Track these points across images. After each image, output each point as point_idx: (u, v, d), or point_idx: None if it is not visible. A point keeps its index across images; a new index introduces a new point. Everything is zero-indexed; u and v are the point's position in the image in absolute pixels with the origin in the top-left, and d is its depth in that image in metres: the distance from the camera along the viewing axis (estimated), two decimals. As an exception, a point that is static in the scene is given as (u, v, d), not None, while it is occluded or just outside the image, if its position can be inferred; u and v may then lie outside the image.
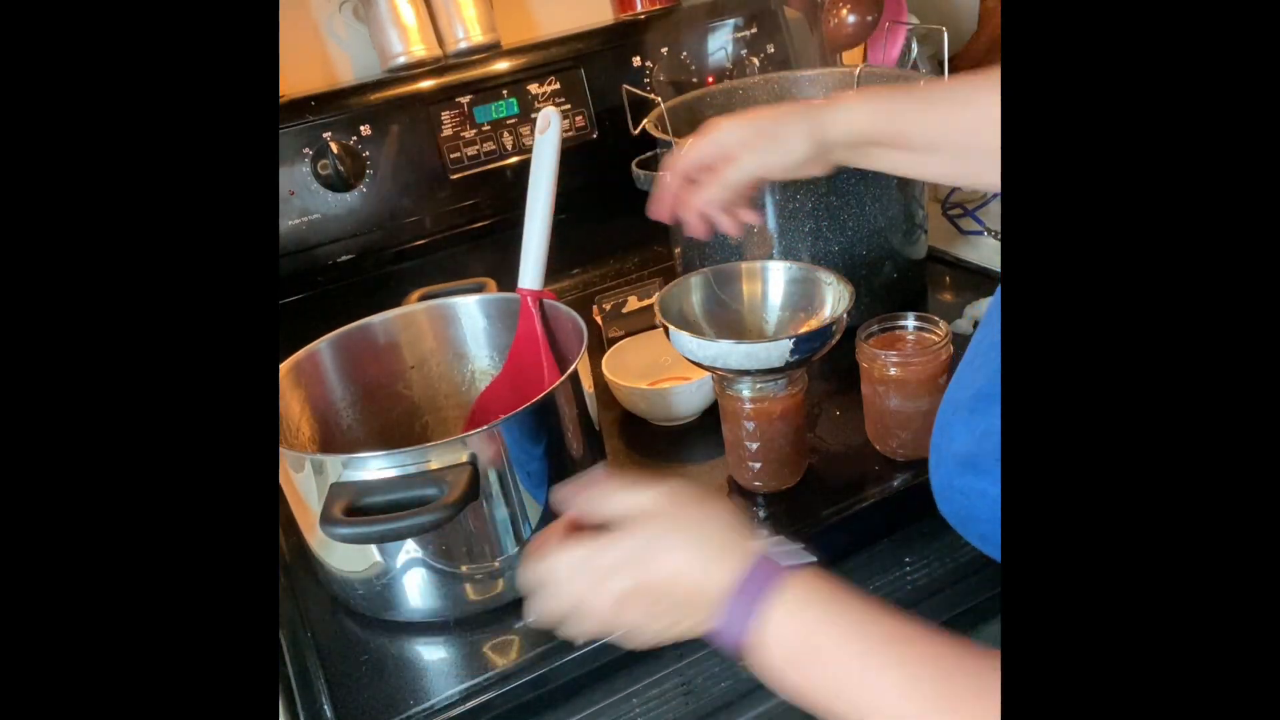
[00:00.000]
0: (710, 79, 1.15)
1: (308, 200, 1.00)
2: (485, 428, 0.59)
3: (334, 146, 1.00)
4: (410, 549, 0.61)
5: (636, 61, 1.13)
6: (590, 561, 0.48)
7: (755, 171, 0.65)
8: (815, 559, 0.48)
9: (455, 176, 1.06)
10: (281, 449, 0.60)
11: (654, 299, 0.69)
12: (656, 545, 0.48)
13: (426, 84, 1.05)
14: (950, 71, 0.98)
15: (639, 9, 1.18)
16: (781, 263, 0.74)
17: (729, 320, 0.74)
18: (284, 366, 0.70)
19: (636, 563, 0.48)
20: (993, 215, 1.12)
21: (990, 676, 0.38)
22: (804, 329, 0.68)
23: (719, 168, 0.66)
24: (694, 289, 0.73)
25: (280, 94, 1.03)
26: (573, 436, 0.65)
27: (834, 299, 0.69)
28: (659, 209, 0.71)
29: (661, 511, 0.49)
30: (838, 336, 0.64)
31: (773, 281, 0.74)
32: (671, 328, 0.65)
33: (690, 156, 0.67)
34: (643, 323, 0.94)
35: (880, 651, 0.43)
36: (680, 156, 0.67)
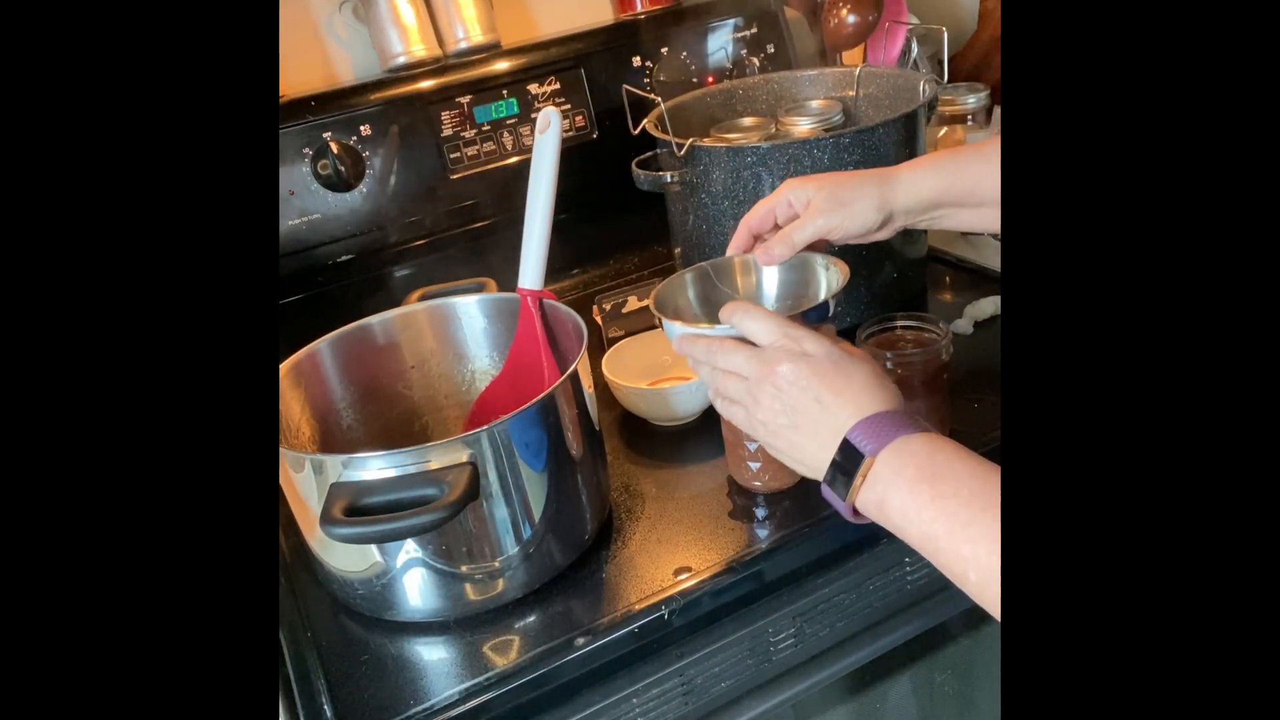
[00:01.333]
0: (710, 79, 1.15)
1: (308, 200, 1.00)
2: (485, 428, 0.59)
3: (334, 146, 1.00)
4: (410, 549, 0.61)
5: (636, 61, 1.13)
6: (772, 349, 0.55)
7: (821, 234, 0.66)
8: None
9: (455, 176, 1.06)
10: (281, 449, 0.60)
11: (650, 296, 0.69)
12: (837, 362, 0.54)
13: (426, 84, 1.05)
14: (950, 71, 0.98)
15: (639, 9, 1.18)
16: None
17: None
18: (284, 366, 0.70)
19: (818, 367, 0.53)
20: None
21: None
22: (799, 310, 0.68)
23: (786, 227, 0.67)
24: (689, 284, 0.72)
25: (280, 94, 1.03)
26: (573, 436, 0.65)
27: (829, 280, 0.68)
28: (737, 240, 0.72)
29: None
30: (834, 311, 0.64)
31: (767, 272, 0.73)
32: (665, 319, 0.64)
33: (760, 212, 0.69)
34: (643, 323, 0.94)
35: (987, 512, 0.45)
36: (752, 211, 0.69)
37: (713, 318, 0.71)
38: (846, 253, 0.88)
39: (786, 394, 0.54)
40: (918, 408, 0.69)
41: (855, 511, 0.52)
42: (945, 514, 0.47)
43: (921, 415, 0.69)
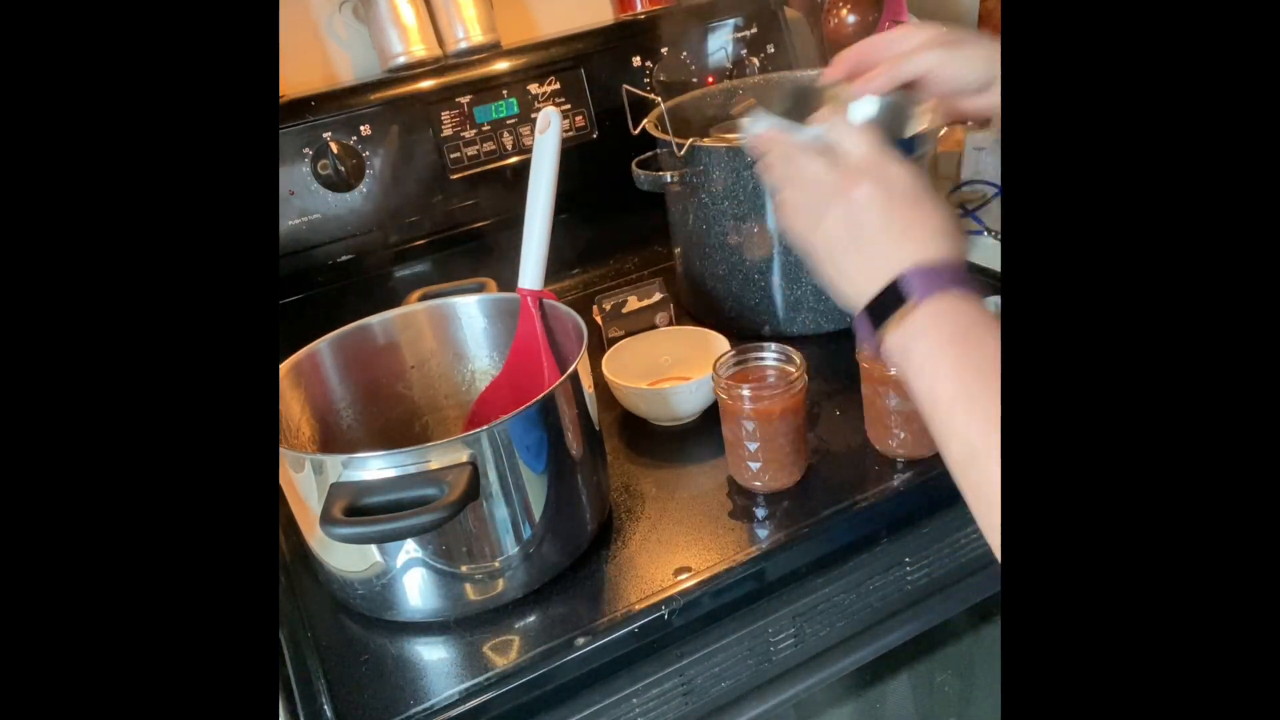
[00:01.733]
0: (710, 79, 1.15)
1: (308, 200, 1.00)
2: (485, 428, 0.59)
3: (334, 146, 1.00)
4: (410, 549, 0.61)
5: (636, 61, 1.13)
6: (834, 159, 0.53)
7: (926, 70, 0.61)
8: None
9: (455, 176, 1.06)
10: (281, 449, 0.60)
11: (738, 108, 0.67)
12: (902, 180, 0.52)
13: (426, 84, 1.04)
14: (950, 71, 0.98)
15: (639, 9, 1.18)
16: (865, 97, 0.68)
17: None
18: (284, 366, 0.70)
19: (903, 172, 0.51)
20: (993, 215, 1.12)
21: None
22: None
23: (891, 58, 0.62)
24: (775, 105, 0.67)
25: (280, 94, 1.03)
26: (573, 436, 0.65)
27: (920, 124, 0.67)
28: (834, 69, 0.67)
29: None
30: (921, 153, 0.64)
31: (855, 109, 0.66)
32: (750, 112, 0.62)
33: (864, 47, 0.64)
34: (643, 323, 0.94)
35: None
36: (855, 46, 0.64)
37: None
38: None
39: (859, 214, 0.52)
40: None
41: (877, 350, 0.51)
42: (956, 380, 0.46)
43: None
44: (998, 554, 0.40)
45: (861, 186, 0.52)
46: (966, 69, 0.61)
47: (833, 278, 0.54)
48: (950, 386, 0.46)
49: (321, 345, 0.74)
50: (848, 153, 0.54)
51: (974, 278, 0.50)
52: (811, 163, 0.54)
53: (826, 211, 0.53)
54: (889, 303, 0.49)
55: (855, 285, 0.52)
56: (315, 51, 1.11)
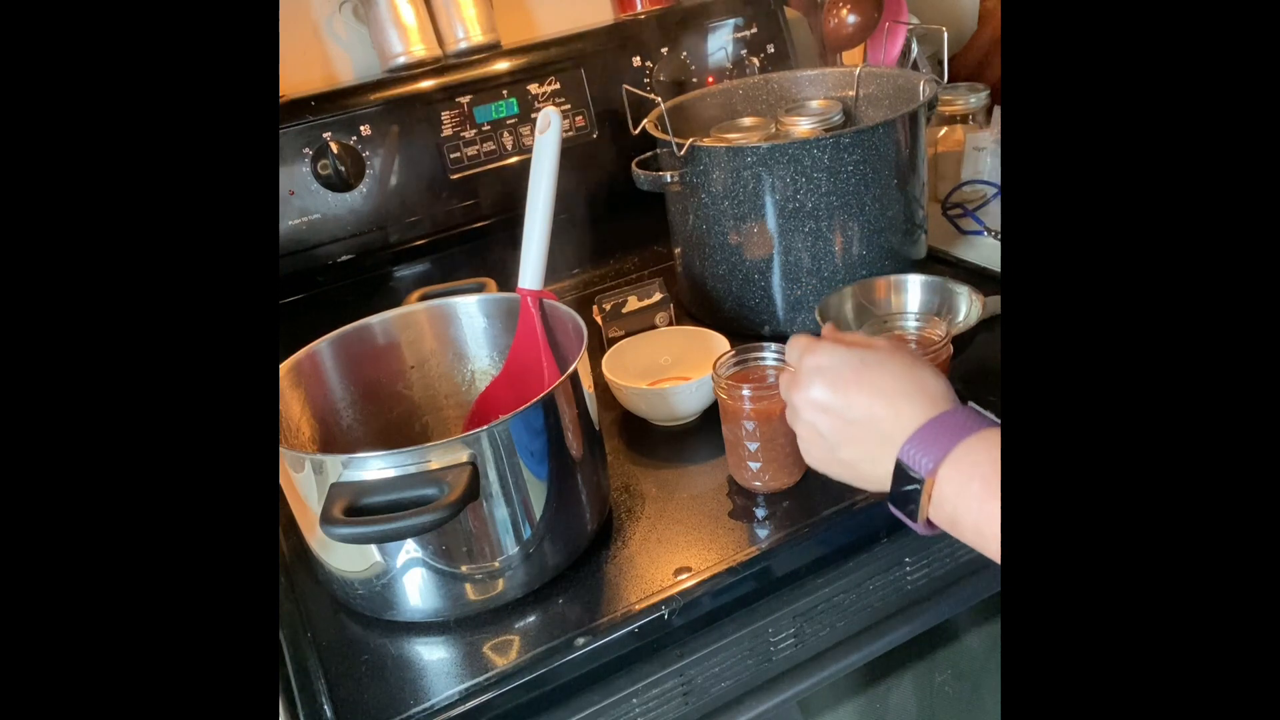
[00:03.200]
0: (710, 79, 1.15)
1: (308, 200, 1.00)
2: (485, 428, 0.59)
3: (334, 146, 1.00)
4: (410, 549, 0.61)
5: (636, 61, 1.13)
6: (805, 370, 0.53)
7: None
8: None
9: (455, 176, 1.06)
10: (281, 449, 0.60)
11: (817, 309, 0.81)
12: (863, 370, 0.51)
13: (426, 84, 1.05)
14: (950, 71, 0.98)
15: (639, 9, 1.18)
16: (919, 276, 0.84)
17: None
18: (284, 366, 0.70)
19: (839, 378, 0.51)
20: (993, 215, 1.12)
21: None
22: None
23: None
24: (848, 298, 0.84)
25: (280, 94, 1.03)
26: (573, 436, 0.65)
27: (967, 310, 0.76)
28: None
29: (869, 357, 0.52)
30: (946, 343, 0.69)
31: (910, 291, 0.83)
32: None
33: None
34: (643, 323, 0.94)
35: None
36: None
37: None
38: (847, 252, 0.88)
39: (816, 419, 0.52)
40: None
41: (930, 525, 0.49)
42: None
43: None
44: None
45: (797, 393, 0.52)
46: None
47: (855, 480, 0.54)
48: None
49: (321, 345, 0.74)
50: (800, 363, 0.54)
51: (969, 412, 0.48)
52: (789, 392, 0.55)
53: (798, 432, 0.54)
54: (906, 489, 0.48)
55: (871, 475, 0.51)
56: (315, 51, 1.11)
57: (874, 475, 0.51)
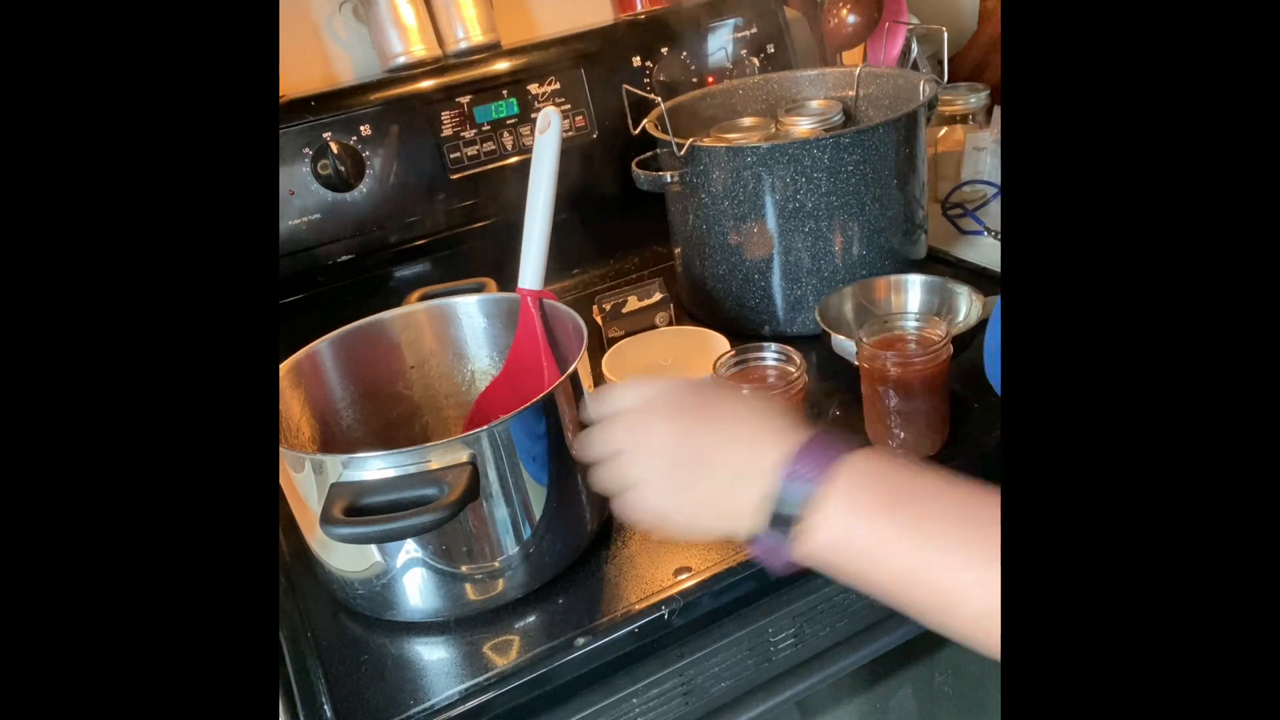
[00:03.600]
0: (710, 79, 1.15)
1: (308, 200, 1.00)
2: (485, 428, 0.59)
3: (334, 146, 1.00)
4: (410, 549, 0.61)
5: (636, 61, 1.13)
6: (637, 432, 0.47)
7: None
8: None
9: (455, 176, 1.06)
10: (281, 449, 0.60)
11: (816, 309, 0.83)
12: (701, 422, 0.46)
13: (426, 84, 1.04)
14: (950, 71, 0.98)
15: (639, 9, 1.18)
16: (919, 276, 0.85)
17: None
18: (284, 366, 0.70)
19: (682, 436, 0.46)
20: (993, 215, 1.12)
21: None
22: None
23: None
24: (848, 298, 0.85)
25: (280, 94, 1.03)
26: (573, 436, 0.65)
27: (968, 309, 0.77)
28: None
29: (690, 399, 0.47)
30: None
31: (911, 291, 0.84)
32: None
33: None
34: (643, 323, 0.94)
35: (943, 521, 0.40)
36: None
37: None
38: (847, 252, 0.88)
39: (658, 457, 0.46)
40: (918, 408, 0.69)
41: (787, 565, 0.45)
42: (929, 541, 0.40)
43: (922, 417, 0.69)
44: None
45: (677, 420, 0.47)
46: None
47: (692, 524, 0.47)
48: (925, 554, 0.40)
49: (321, 345, 0.74)
50: (638, 402, 0.48)
51: (838, 433, 0.45)
52: (595, 439, 0.49)
53: (664, 464, 0.47)
54: (784, 510, 0.43)
55: (723, 511, 0.46)
56: (315, 51, 1.11)
57: (728, 518, 0.45)
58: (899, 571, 0.41)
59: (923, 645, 0.81)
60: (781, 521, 0.43)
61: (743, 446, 0.45)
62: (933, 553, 0.40)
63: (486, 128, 1.07)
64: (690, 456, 0.46)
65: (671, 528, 0.48)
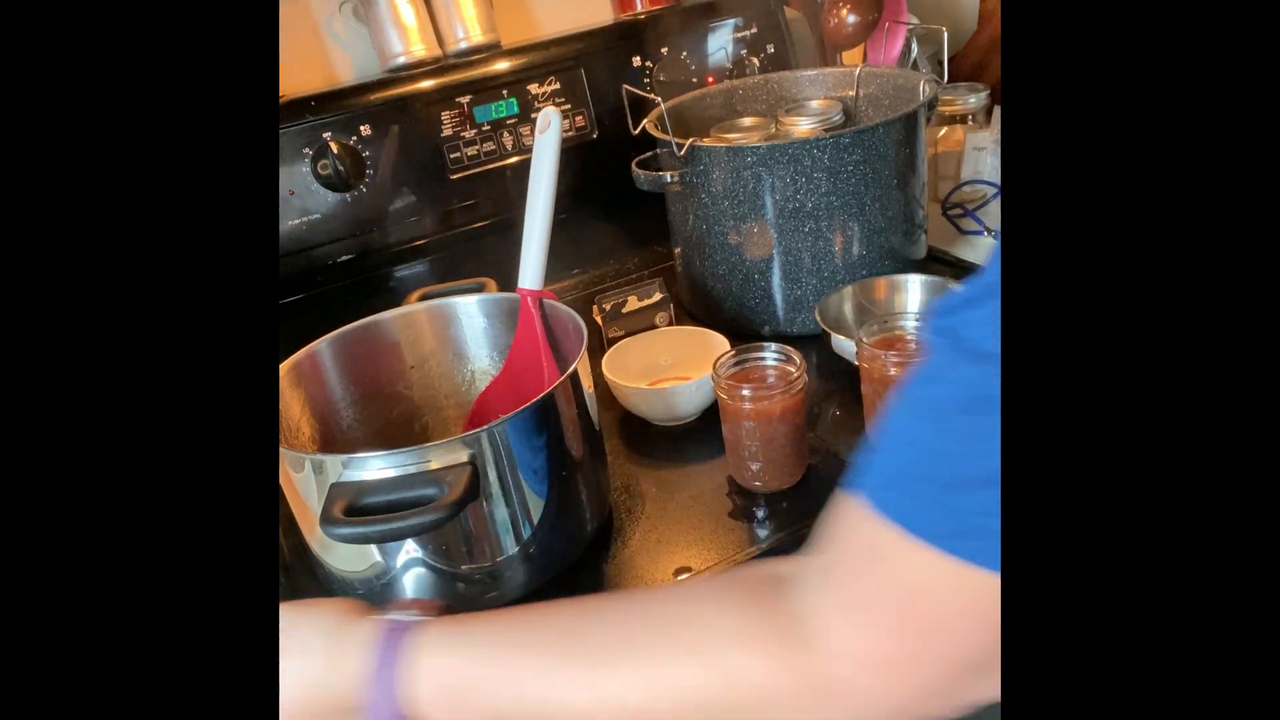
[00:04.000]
0: (710, 79, 1.15)
1: (308, 200, 1.00)
2: (485, 428, 0.59)
3: (334, 146, 1.00)
4: (410, 549, 0.61)
5: (636, 61, 1.13)
6: None
7: None
8: (440, 603, 0.45)
9: (455, 176, 1.06)
10: (281, 449, 0.60)
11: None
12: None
13: (426, 84, 1.05)
14: (950, 71, 0.98)
15: (639, 9, 1.18)
16: (919, 276, 0.87)
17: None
18: (284, 366, 0.70)
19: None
20: (993, 215, 1.12)
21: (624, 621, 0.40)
22: None
23: None
24: (847, 298, 0.87)
25: (280, 94, 1.03)
26: (573, 436, 0.65)
27: None
28: None
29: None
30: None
31: (910, 292, 0.85)
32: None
33: None
34: (643, 323, 0.94)
35: (536, 638, 0.41)
36: None
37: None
38: (847, 252, 0.88)
39: None
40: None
41: None
42: (516, 673, 0.40)
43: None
44: None
45: None
46: None
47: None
48: (518, 685, 0.40)
49: (321, 345, 0.74)
50: None
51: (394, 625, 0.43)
52: None
53: None
54: (389, 704, 0.41)
55: None
56: (315, 51, 1.11)
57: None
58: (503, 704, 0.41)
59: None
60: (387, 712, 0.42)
61: (320, 678, 0.43)
62: (523, 685, 0.40)
63: (486, 128, 1.07)
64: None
65: None
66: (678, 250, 1.00)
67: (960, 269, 1.02)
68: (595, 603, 0.42)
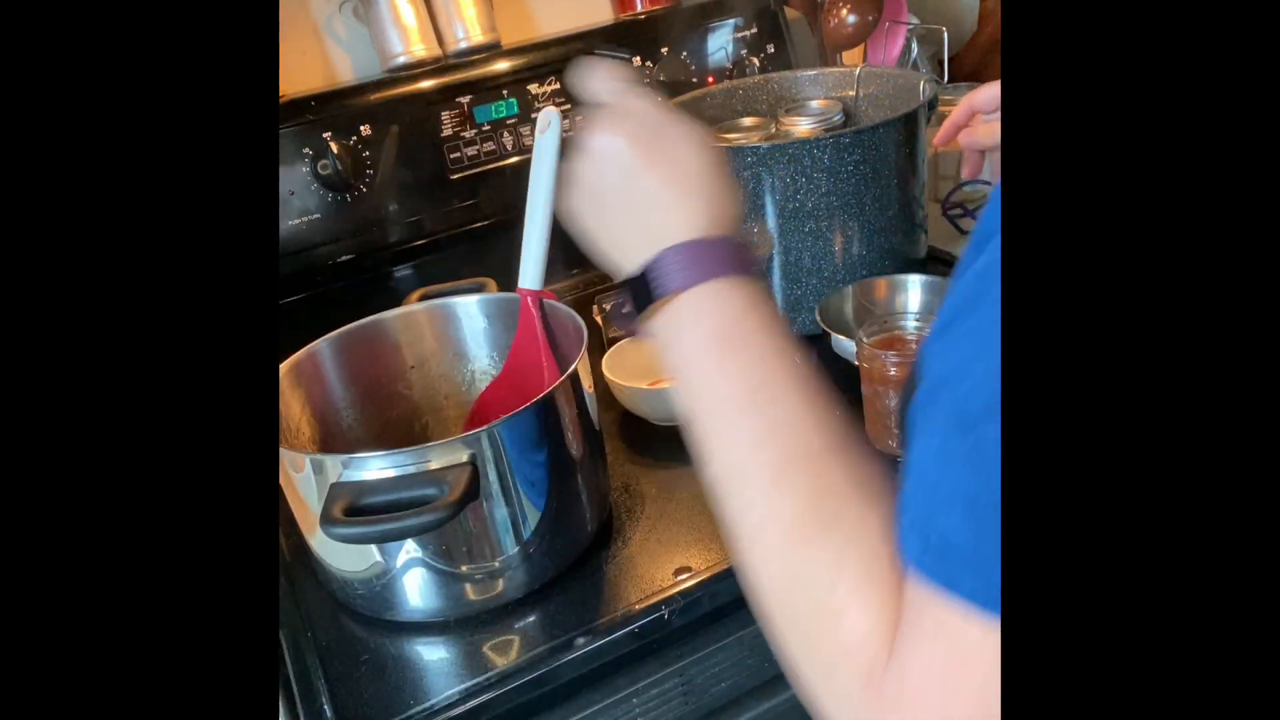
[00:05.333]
0: (710, 79, 1.15)
1: (308, 200, 1.00)
2: (485, 428, 0.59)
3: (334, 146, 1.00)
4: (410, 549, 0.61)
5: (636, 61, 1.13)
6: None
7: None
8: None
9: (455, 176, 1.06)
10: (281, 449, 0.60)
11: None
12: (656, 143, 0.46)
13: (426, 84, 1.05)
14: (950, 71, 0.98)
15: (639, 9, 1.18)
16: (919, 276, 0.87)
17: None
18: (284, 366, 0.70)
19: (632, 168, 0.46)
20: (993, 215, 1.11)
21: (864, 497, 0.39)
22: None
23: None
24: (848, 298, 0.87)
25: (280, 94, 1.03)
26: (573, 436, 0.65)
27: None
28: (943, 136, 0.78)
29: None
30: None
31: (911, 292, 0.84)
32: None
33: (981, 96, 0.70)
34: (643, 323, 0.94)
35: (783, 394, 0.41)
36: (973, 95, 0.71)
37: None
38: (847, 252, 0.88)
39: (603, 173, 0.47)
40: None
41: (635, 331, 0.46)
42: (720, 390, 0.41)
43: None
44: (743, 573, 0.40)
45: (595, 136, 0.47)
46: None
47: (608, 249, 0.48)
48: (710, 399, 0.42)
49: (321, 345, 0.74)
50: (630, 107, 0.48)
51: (742, 247, 0.45)
52: (592, 132, 0.48)
53: (605, 180, 0.47)
54: (645, 290, 0.45)
55: (621, 254, 0.47)
56: (315, 51, 1.11)
57: (622, 255, 0.47)
58: (684, 395, 0.43)
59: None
60: (640, 292, 0.45)
61: (663, 209, 0.45)
62: (714, 401, 0.42)
63: (486, 128, 1.07)
64: (625, 189, 0.46)
65: (582, 235, 0.49)
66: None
67: (960, 269, 1.02)
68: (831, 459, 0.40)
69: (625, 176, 0.46)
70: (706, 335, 0.43)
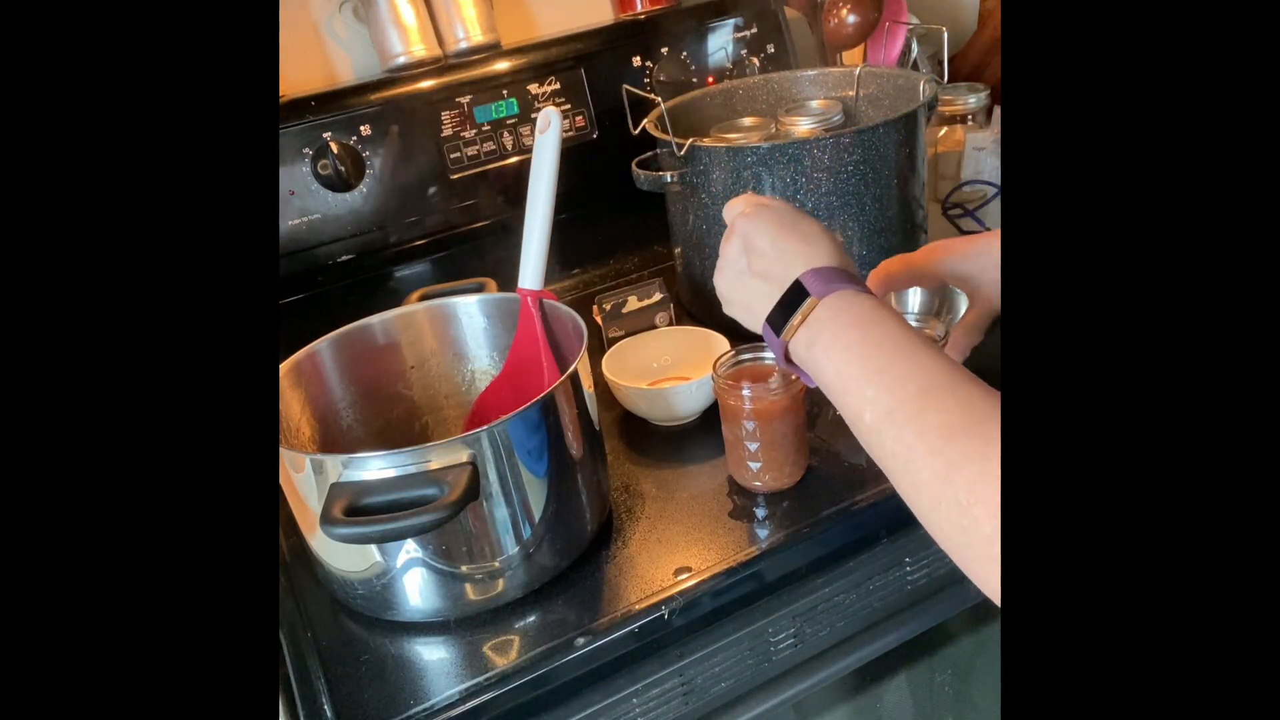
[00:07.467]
0: (710, 79, 1.15)
1: (308, 200, 1.00)
2: (485, 428, 0.59)
3: (334, 146, 1.00)
4: (410, 549, 0.61)
5: (636, 61, 1.13)
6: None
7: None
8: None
9: (455, 176, 1.06)
10: (281, 449, 0.60)
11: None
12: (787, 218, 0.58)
13: (426, 84, 1.05)
14: (950, 71, 0.98)
15: (639, 9, 1.18)
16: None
17: None
18: (284, 366, 0.70)
19: (769, 240, 0.57)
20: (993, 215, 1.12)
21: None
22: None
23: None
24: None
25: (280, 94, 1.03)
26: (573, 436, 0.65)
27: (962, 309, 0.77)
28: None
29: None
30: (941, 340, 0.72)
31: (911, 294, 0.84)
32: None
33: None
34: (643, 323, 0.94)
35: (937, 381, 0.47)
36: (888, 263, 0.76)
37: None
38: (847, 252, 0.88)
39: (748, 239, 0.58)
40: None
41: (788, 357, 0.56)
42: (862, 358, 0.50)
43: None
44: (914, 509, 0.45)
45: (743, 220, 0.59)
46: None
47: (739, 301, 0.59)
48: (856, 365, 0.50)
49: (321, 345, 0.74)
50: (732, 206, 0.61)
51: (862, 279, 0.55)
52: (737, 216, 0.61)
53: (726, 249, 0.60)
54: (791, 304, 0.55)
55: (758, 300, 0.57)
56: (315, 51, 1.11)
57: (762, 298, 0.57)
58: (833, 375, 0.51)
59: (922, 645, 0.81)
60: (786, 307, 0.55)
61: (803, 256, 0.56)
62: (859, 366, 0.50)
63: (486, 128, 1.07)
64: (771, 252, 0.57)
65: (724, 303, 0.61)
66: (678, 250, 1.00)
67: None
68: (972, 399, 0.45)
69: (771, 242, 0.57)
70: (844, 324, 0.52)
